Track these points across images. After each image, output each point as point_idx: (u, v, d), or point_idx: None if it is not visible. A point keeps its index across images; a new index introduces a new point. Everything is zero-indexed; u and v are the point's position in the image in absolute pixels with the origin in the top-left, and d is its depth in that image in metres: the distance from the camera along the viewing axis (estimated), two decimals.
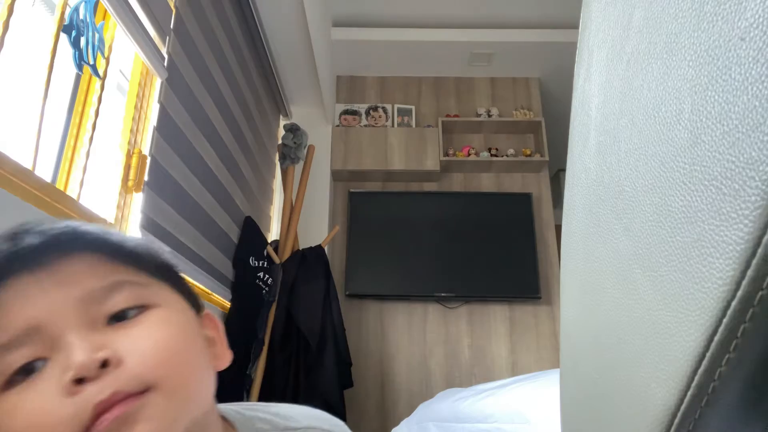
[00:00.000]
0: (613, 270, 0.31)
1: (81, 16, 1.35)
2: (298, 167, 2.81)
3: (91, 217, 1.30)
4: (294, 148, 2.69)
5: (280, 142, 2.79)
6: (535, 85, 3.47)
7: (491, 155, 3.21)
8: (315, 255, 2.56)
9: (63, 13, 1.30)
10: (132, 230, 1.47)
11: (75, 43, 1.33)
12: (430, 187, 3.25)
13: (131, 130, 1.58)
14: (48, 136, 1.32)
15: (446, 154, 3.19)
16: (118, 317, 0.41)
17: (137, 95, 1.63)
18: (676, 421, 0.23)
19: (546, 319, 2.99)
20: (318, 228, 2.98)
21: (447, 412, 1.48)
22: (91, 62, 1.38)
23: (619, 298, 0.30)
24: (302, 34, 2.62)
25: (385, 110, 3.37)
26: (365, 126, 3.31)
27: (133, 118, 1.60)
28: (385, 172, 3.18)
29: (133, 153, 1.56)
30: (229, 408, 0.53)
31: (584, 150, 0.38)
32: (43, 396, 0.37)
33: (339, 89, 3.42)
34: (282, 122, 3.20)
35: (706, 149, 0.21)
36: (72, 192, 1.36)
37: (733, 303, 0.19)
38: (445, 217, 3.07)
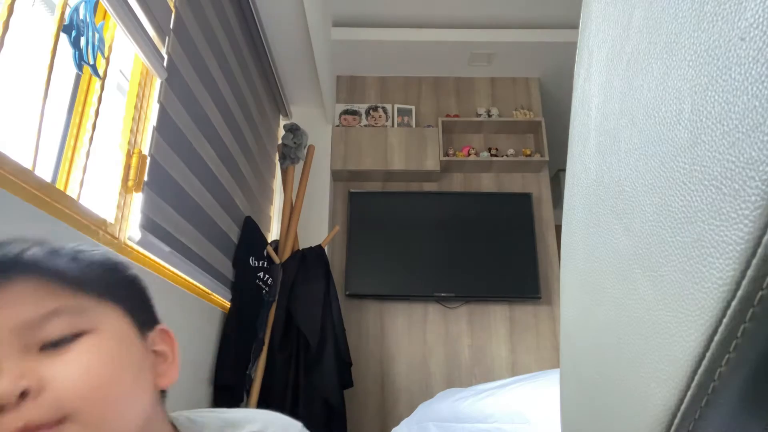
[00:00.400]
0: (613, 270, 0.31)
1: (81, 16, 1.35)
2: (298, 167, 2.81)
3: (90, 217, 1.31)
4: (294, 148, 2.69)
5: (280, 142, 2.79)
6: (535, 85, 3.47)
7: (491, 155, 3.21)
8: (315, 255, 2.56)
9: (63, 13, 1.30)
10: (132, 230, 1.47)
11: (75, 43, 1.33)
12: (430, 187, 3.25)
13: (131, 130, 1.58)
14: (48, 136, 1.32)
15: (446, 154, 3.19)
16: (53, 344, 0.41)
17: (137, 95, 1.63)
18: (676, 421, 0.23)
19: (546, 319, 2.99)
20: (318, 228, 2.98)
21: (447, 412, 1.48)
22: (91, 62, 1.38)
23: (619, 298, 0.30)
24: (302, 34, 2.62)
25: (385, 110, 3.36)
26: (365, 126, 3.31)
27: (133, 118, 1.60)
28: (385, 172, 3.18)
29: (133, 153, 1.56)
30: (181, 415, 0.53)
31: (584, 150, 0.38)
32: None
33: (339, 89, 3.42)
34: (282, 122, 3.20)
35: (706, 149, 0.21)
36: (72, 192, 1.36)
37: (733, 303, 0.19)
38: (445, 217, 3.07)
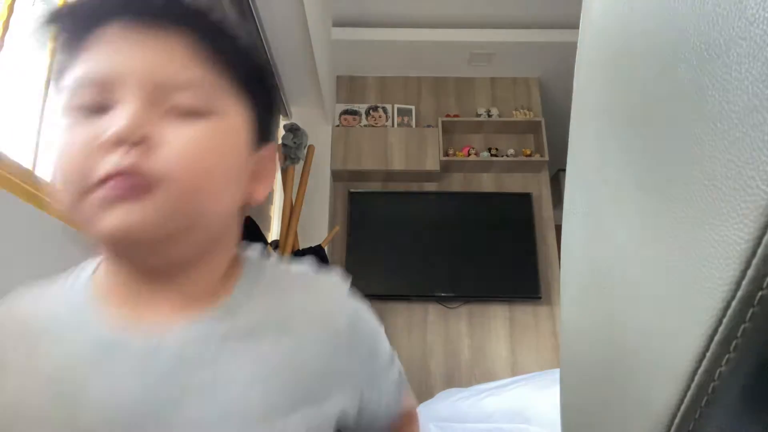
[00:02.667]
0: (613, 270, 0.31)
1: None
2: (298, 167, 2.81)
3: None
4: (294, 148, 2.69)
5: (280, 142, 2.79)
6: (535, 85, 3.47)
7: (491, 155, 3.20)
8: (315, 255, 2.56)
9: None
10: None
11: None
12: (430, 187, 3.25)
13: None
14: (48, 135, 1.32)
15: (446, 154, 3.19)
16: (179, 111, 0.42)
17: None
18: (677, 420, 0.23)
19: (546, 319, 2.99)
20: (318, 228, 2.98)
21: (447, 412, 1.48)
22: None
23: (619, 298, 0.30)
24: (302, 34, 2.62)
25: (385, 110, 3.36)
26: (365, 126, 3.31)
27: None
28: (385, 172, 3.18)
29: None
30: (251, 252, 0.53)
31: (584, 149, 0.38)
32: (87, 134, 0.40)
33: (339, 89, 3.42)
34: (282, 122, 3.20)
35: (706, 149, 0.21)
36: None
37: (733, 303, 0.19)
38: (445, 217, 3.07)
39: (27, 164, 1.10)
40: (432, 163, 3.14)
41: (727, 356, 0.20)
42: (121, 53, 0.42)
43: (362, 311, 0.52)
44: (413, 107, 3.39)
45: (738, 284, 0.19)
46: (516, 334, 2.96)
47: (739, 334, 0.20)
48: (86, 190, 0.39)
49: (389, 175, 3.22)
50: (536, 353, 2.92)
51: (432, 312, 2.99)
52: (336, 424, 0.45)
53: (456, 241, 2.99)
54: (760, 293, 0.19)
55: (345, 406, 0.46)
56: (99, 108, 0.41)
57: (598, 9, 0.36)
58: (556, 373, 1.32)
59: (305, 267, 0.54)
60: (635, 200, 0.28)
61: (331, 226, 3.09)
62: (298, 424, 0.43)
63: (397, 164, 3.15)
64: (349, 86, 3.44)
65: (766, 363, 0.21)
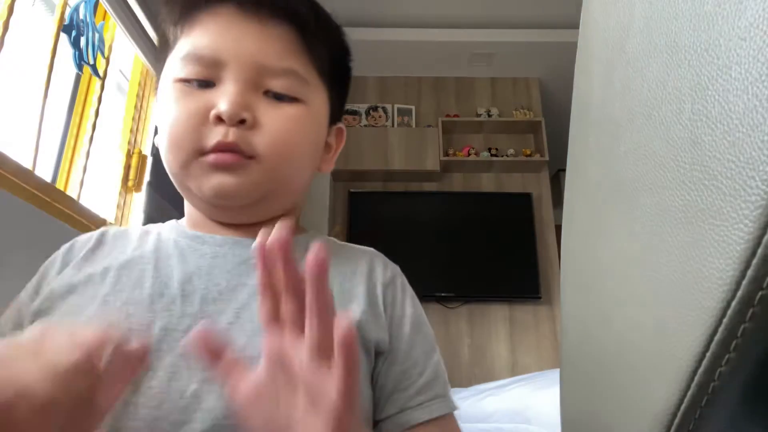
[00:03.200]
0: (613, 270, 0.31)
1: (81, 16, 1.35)
2: None
3: (90, 216, 1.30)
4: None
5: None
6: (535, 85, 3.47)
7: (491, 155, 3.20)
8: None
9: (63, 13, 1.30)
10: None
11: (75, 43, 1.33)
12: (430, 187, 3.25)
13: (131, 130, 1.58)
14: (48, 136, 1.32)
15: (446, 154, 3.19)
16: (274, 95, 0.50)
17: (137, 95, 1.63)
18: (677, 421, 0.23)
19: (546, 319, 2.99)
20: (318, 228, 2.98)
21: None
22: (91, 62, 1.38)
23: (619, 298, 0.30)
24: None
25: (385, 110, 3.36)
26: (365, 126, 3.31)
27: (133, 118, 1.60)
28: (385, 172, 3.18)
29: (133, 153, 1.56)
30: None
31: (584, 150, 0.38)
32: (197, 106, 0.48)
33: None
34: None
35: (706, 149, 0.21)
36: (72, 192, 1.36)
37: (733, 303, 0.19)
38: (445, 217, 3.07)
39: (27, 164, 1.10)
40: (432, 163, 3.14)
41: (727, 356, 0.20)
42: (231, 35, 0.49)
43: (399, 274, 0.58)
44: (413, 107, 3.39)
45: (738, 284, 0.19)
46: (516, 334, 2.96)
47: (739, 334, 0.20)
48: (195, 153, 0.48)
49: (389, 175, 3.22)
50: (536, 353, 2.92)
51: (432, 312, 2.99)
52: (374, 350, 0.50)
53: (456, 241, 2.99)
54: (760, 293, 0.19)
55: (378, 332, 0.50)
56: (206, 82, 0.49)
57: (598, 9, 0.36)
58: (556, 373, 1.32)
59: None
60: (635, 200, 0.28)
61: (331, 226, 3.09)
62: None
63: (397, 164, 3.15)
64: None
65: (766, 363, 0.21)
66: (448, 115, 3.32)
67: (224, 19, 0.49)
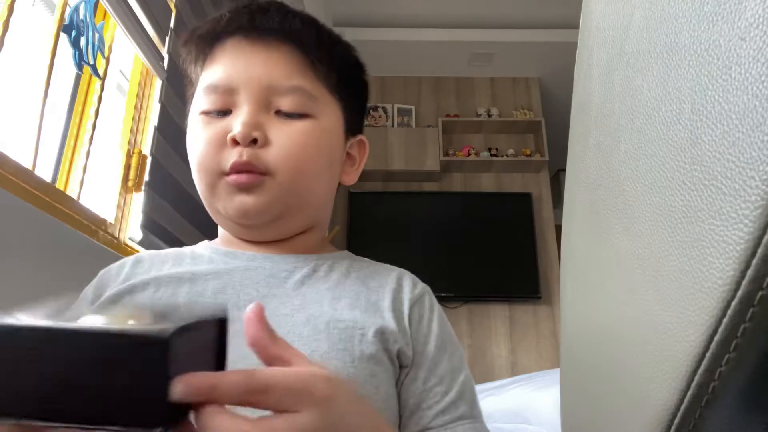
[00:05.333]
0: (613, 270, 0.31)
1: (81, 16, 1.35)
2: None
3: (90, 217, 1.30)
4: None
5: None
6: (535, 85, 3.47)
7: (491, 155, 3.20)
8: None
9: (63, 13, 1.30)
10: (132, 230, 1.47)
11: (75, 43, 1.33)
12: (430, 187, 3.25)
13: (131, 130, 1.58)
14: (48, 136, 1.32)
15: (446, 154, 3.19)
16: (284, 113, 0.52)
17: (137, 95, 1.63)
18: (676, 421, 0.23)
19: (546, 319, 2.99)
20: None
21: None
22: (91, 62, 1.38)
23: (619, 298, 0.30)
24: None
25: (385, 110, 3.36)
26: (365, 126, 3.30)
27: (133, 118, 1.60)
28: (385, 172, 3.18)
29: (133, 153, 1.56)
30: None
31: (584, 150, 0.38)
32: (215, 132, 0.51)
33: None
34: None
35: (706, 149, 0.21)
36: (72, 192, 1.36)
37: (733, 303, 0.19)
38: (445, 217, 3.07)
39: (27, 164, 1.10)
40: (432, 163, 3.14)
41: (727, 356, 0.20)
42: (240, 62, 0.53)
43: (428, 293, 0.59)
44: (413, 107, 3.39)
45: (738, 284, 0.19)
46: (516, 334, 2.96)
47: (739, 334, 0.20)
48: (218, 176, 0.51)
49: (389, 175, 3.22)
50: (536, 353, 2.92)
51: None
52: (397, 360, 0.50)
53: (456, 241, 2.99)
54: (760, 293, 0.19)
55: (401, 343, 0.50)
56: (224, 111, 0.52)
57: (598, 9, 0.36)
58: (556, 373, 1.32)
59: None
60: (635, 200, 0.28)
61: (331, 226, 3.09)
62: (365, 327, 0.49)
63: (397, 164, 3.15)
64: None
65: (767, 363, 0.21)
66: (448, 115, 3.32)
67: (234, 49, 0.53)
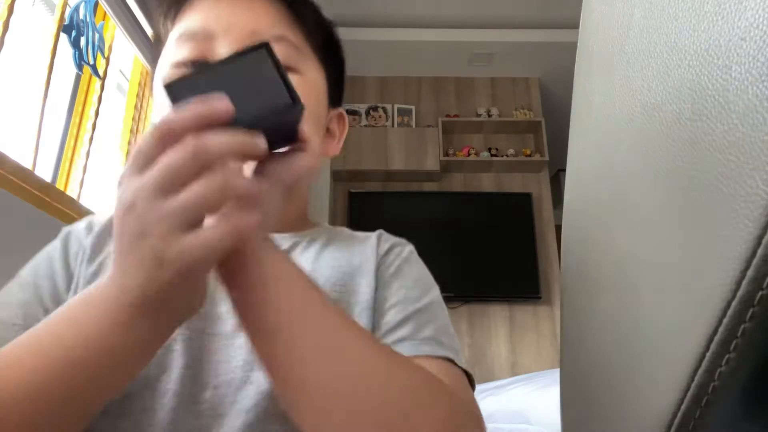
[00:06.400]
0: (613, 270, 0.31)
1: (81, 16, 1.35)
2: None
3: None
4: None
5: None
6: (535, 85, 3.47)
7: (491, 155, 3.20)
8: None
9: (63, 13, 1.30)
10: None
11: (75, 43, 1.33)
12: (430, 187, 3.25)
13: (131, 130, 1.58)
14: (48, 136, 1.32)
15: (446, 154, 3.19)
16: None
17: (137, 95, 1.63)
18: (677, 421, 0.23)
19: (546, 319, 2.99)
20: None
21: None
22: (91, 62, 1.38)
23: (619, 299, 0.30)
24: None
25: (385, 110, 3.36)
26: (365, 126, 3.31)
27: (133, 118, 1.60)
28: (385, 172, 3.18)
29: None
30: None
31: (585, 150, 0.38)
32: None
33: None
34: None
35: (706, 149, 0.21)
36: (72, 192, 1.36)
37: (733, 303, 0.19)
38: (445, 217, 3.07)
39: (27, 164, 1.10)
40: (432, 163, 3.14)
41: (727, 356, 0.20)
42: (221, 9, 0.48)
43: (401, 244, 0.56)
44: (413, 107, 3.39)
45: (738, 284, 0.19)
46: (516, 334, 2.96)
47: (739, 334, 0.20)
48: None
49: (389, 175, 3.22)
50: (536, 353, 2.92)
51: None
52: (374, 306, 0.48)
53: (456, 241, 2.99)
54: (760, 293, 0.19)
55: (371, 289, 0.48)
56: (200, 60, 0.46)
57: (598, 9, 0.36)
58: (556, 373, 1.32)
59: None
60: (635, 201, 0.28)
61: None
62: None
63: (397, 164, 3.15)
64: (348, 86, 3.39)
65: (766, 363, 0.21)
66: (448, 115, 3.32)
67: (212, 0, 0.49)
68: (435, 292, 0.53)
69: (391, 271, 0.51)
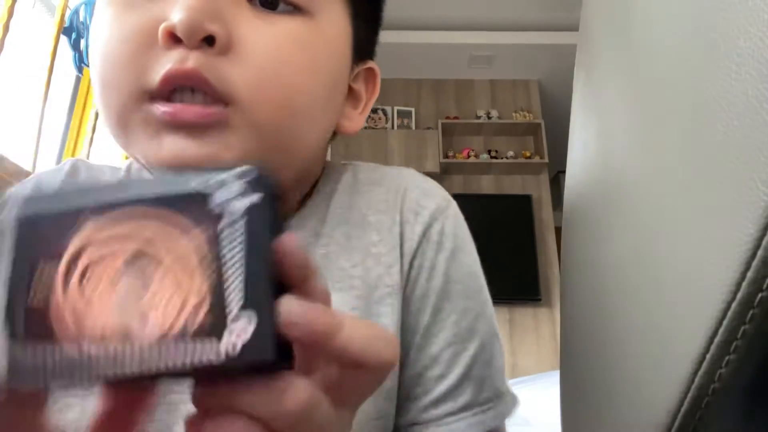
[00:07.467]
0: (614, 271, 0.31)
1: (81, 19, 1.35)
2: None
3: None
4: None
5: None
6: (534, 87, 3.48)
7: (491, 157, 3.21)
8: None
9: (63, 16, 1.30)
10: None
11: (75, 46, 1.33)
12: None
13: None
14: (48, 138, 1.32)
15: (446, 156, 3.19)
16: (266, 3, 0.31)
17: None
18: (677, 423, 0.23)
19: (546, 321, 2.98)
20: None
21: None
22: None
23: (619, 300, 0.30)
24: None
25: (384, 112, 3.37)
26: (365, 128, 3.31)
27: None
28: None
29: None
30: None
31: (584, 151, 0.38)
32: (141, 21, 0.29)
33: None
34: None
35: (706, 149, 0.21)
36: None
37: (733, 304, 0.19)
38: None
39: (27, 165, 1.10)
40: (432, 165, 3.14)
41: (727, 358, 0.20)
42: None
43: (436, 213, 0.40)
44: (413, 109, 3.40)
45: (738, 286, 0.19)
46: (516, 336, 2.95)
47: (739, 336, 0.20)
48: (137, 97, 0.29)
49: None
50: (536, 355, 2.92)
51: None
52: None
53: None
54: (760, 295, 0.19)
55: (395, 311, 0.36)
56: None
57: (598, 9, 0.36)
58: (556, 375, 1.32)
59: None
60: (635, 201, 0.28)
61: None
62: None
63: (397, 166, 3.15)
64: None
65: (767, 364, 0.21)
66: (447, 117, 3.32)
67: None
68: (486, 300, 0.40)
69: (430, 295, 0.38)
